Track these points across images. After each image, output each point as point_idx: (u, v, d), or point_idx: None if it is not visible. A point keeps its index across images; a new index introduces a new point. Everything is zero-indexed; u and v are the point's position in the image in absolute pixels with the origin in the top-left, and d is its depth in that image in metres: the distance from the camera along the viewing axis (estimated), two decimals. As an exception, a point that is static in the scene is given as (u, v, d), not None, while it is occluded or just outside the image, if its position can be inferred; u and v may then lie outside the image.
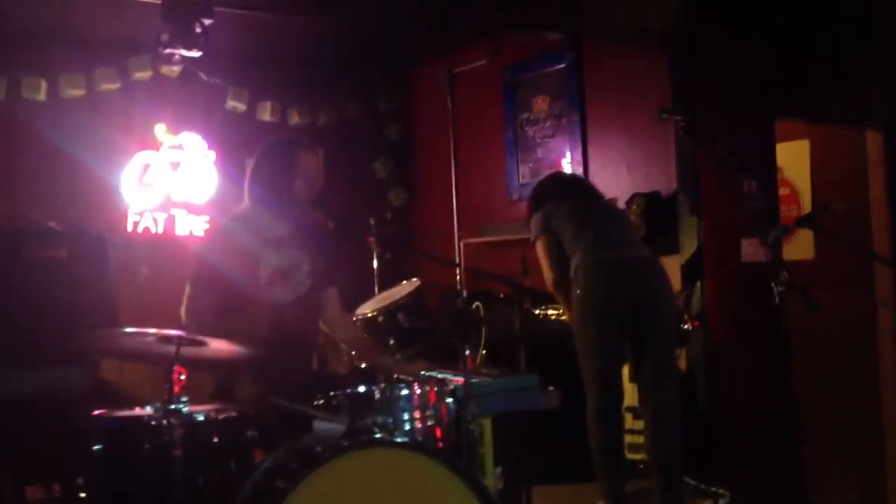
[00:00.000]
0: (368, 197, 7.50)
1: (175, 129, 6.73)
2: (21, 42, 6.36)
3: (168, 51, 5.18)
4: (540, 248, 5.14)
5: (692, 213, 5.65)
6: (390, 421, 3.36)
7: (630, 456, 5.34)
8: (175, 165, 6.73)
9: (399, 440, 3.28)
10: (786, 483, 5.05)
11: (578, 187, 5.48)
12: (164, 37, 5.05)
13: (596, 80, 6.48)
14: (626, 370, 5.11)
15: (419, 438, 3.40)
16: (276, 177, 3.95)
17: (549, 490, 4.92)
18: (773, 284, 4.20)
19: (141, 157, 6.64)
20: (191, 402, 3.22)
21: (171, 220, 6.73)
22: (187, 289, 3.86)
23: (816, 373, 6.14)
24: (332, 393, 3.38)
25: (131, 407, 3.36)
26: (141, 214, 6.64)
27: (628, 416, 5.33)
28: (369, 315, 4.55)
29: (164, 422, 3.11)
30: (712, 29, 5.75)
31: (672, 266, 5.49)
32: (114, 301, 5.58)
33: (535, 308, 5.46)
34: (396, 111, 7.87)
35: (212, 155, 6.83)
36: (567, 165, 6.55)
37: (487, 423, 4.04)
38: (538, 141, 6.90)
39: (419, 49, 7.41)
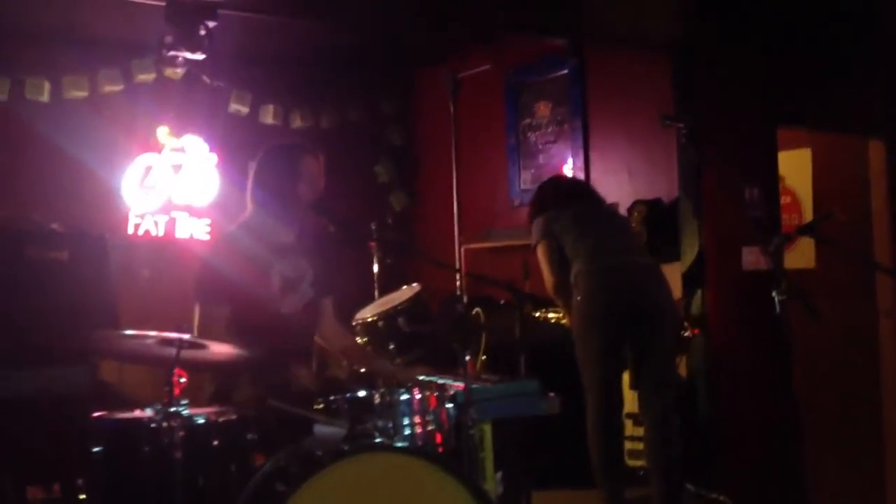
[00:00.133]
0: (370, 201, 7.51)
1: (177, 132, 6.73)
2: (25, 43, 6.37)
3: (171, 53, 5.18)
4: (541, 253, 5.14)
5: (694, 220, 5.64)
6: (390, 425, 3.35)
7: (630, 462, 5.34)
8: (177, 168, 6.72)
9: (399, 445, 3.28)
10: (786, 490, 5.03)
11: (580, 192, 5.48)
12: (168, 39, 5.05)
13: (598, 86, 6.49)
14: (626, 377, 5.11)
15: (419, 443, 3.40)
16: (280, 181, 3.93)
17: (549, 495, 4.91)
18: (774, 293, 4.20)
19: (143, 160, 6.63)
20: (191, 404, 3.22)
21: (172, 223, 6.72)
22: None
23: (817, 380, 6.13)
24: (332, 397, 3.38)
25: (131, 409, 3.36)
26: (142, 217, 6.63)
27: (628, 423, 5.33)
28: (369, 320, 4.54)
29: (165, 424, 3.11)
30: (715, 36, 5.75)
31: (673, 273, 5.49)
32: (114, 303, 5.58)
33: (536, 311, 5.45)
34: (399, 115, 7.87)
35: (214, 158, 6.83)
36: (569, 171, 6.56)
37: (487, 429, 4.03)
38: (540, 147, 6.90)
39: (422, 53, 7.42)
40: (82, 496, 3.27)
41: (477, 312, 5.28)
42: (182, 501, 3.10)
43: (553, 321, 5.37)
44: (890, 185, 6.42)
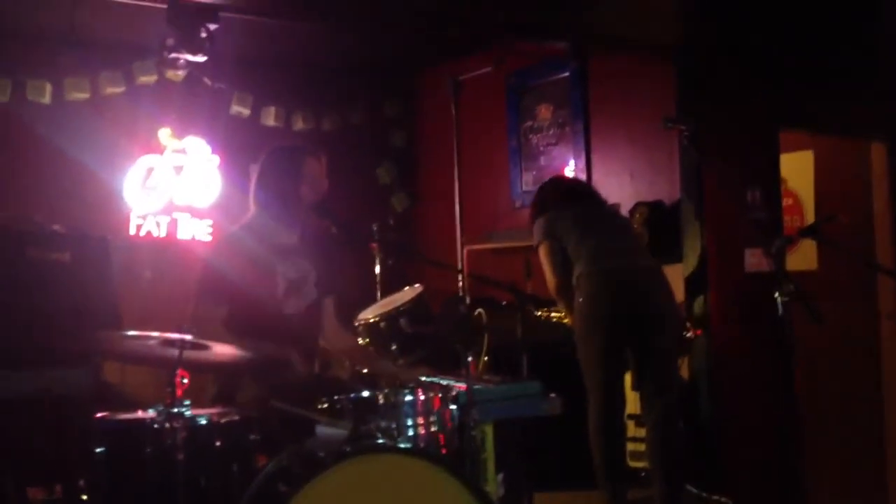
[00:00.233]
0: (371, 202, 7.50)
1: (179, 134, 6.73)
2: (27, 45, 6.37)
3: (173, 55, 5.17)
4: (543, 254, 5.14)
5: (695, 222, 5.64)
6: (393, 426, 3.35)
7: (632, 464, 5.33)
8: (178, 169, 6.72)
9: (402, 446, 3.28)
10: (788, 492, 5.03)
11: (580, 193, 5.48)
12: (170, 41, 5.04)
13: (600, 88, 6.49)
14: (628, 378, 5.11)
15: (422, 444, 3.40)
16: (283, 183, 3.94)
17: (550, 497, 4.92)
18: (777, 295, 4.20)
19: (145, 161, 6.63)
20: (193, 405, 3.22)
21: (173, 224, 6.72)
22: (194, 300, 3.82)
23: (818, 382, 6.13)
24: (335, 397, 3.38)
25: (133, 410, 3.36)
26: (144, 218, 6.64)
27: (630, 424, 5.33)
28: (371, 320, 4.53)
29: (167, 425, 3.11)
30: (717, 39, 5.75)
31: (675, 275, 5.49)
32: (116, 304, 5.58)
33: (537, 310, 5.45)
34: (400, 117, 7.88)
35: (215, 159, 6.83)
36: (570, 174, 6.55)
37: (490, 430, 4.04)
38: (542, 149, 6.90)
39: (423, 55, 7.42)
40: (84, 497, 3.27)
41: (479, 313, 5.28)
42: (184, 502, 3.10)
43: (555, 320, 5.37)
44: (892, 188, 6.42)
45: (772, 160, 5.96)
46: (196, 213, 6.78)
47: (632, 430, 5.38)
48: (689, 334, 5.45)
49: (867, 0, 6.15)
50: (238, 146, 6.76)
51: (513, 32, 5.70)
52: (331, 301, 4.14)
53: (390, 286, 5.39)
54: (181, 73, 6.40)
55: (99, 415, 3.33)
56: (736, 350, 5.61)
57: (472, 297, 6.18)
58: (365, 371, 4.18)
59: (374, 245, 5.86)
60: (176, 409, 3.12)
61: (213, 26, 4.97)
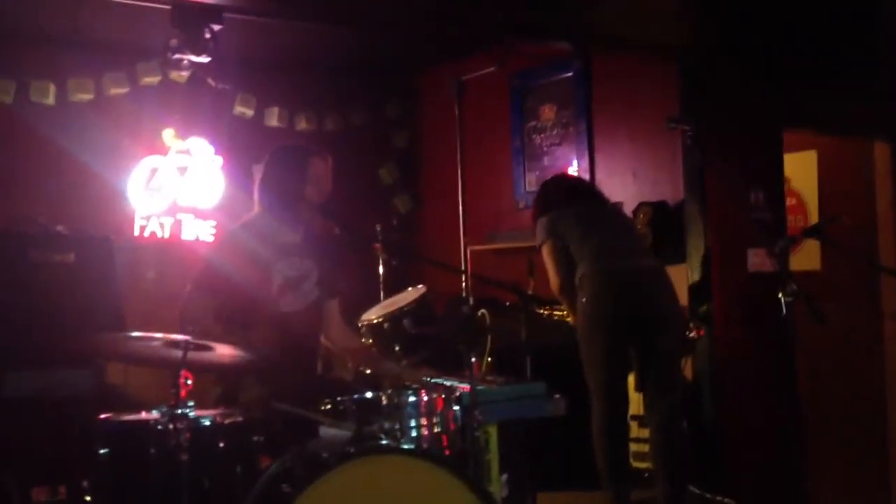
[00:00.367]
0: (374, 203, 7.50)
1: (183, 134, 6.74)
2: (30, 45, 6.38)
3: (177, 56, 5.17)
4: (546, 253, 5.13)
5: (699, 223, 5.64)
6: (397, 427, 3.35)
7: (635, 464, 5.33)
8: (182, 170, 6.73)
9: (405, 447, 3.28)
10: (791, 492, 5.04)
11: (583, 191, 5.48)
12: (173, 42, 5.04)
13: (603, 88, 6.49)
14: (631, 378, 5.11)
15: (425, 445, 3.40)
16: (287, 183, 3.94)
17: (554, 497, 4.92)
18: (780, 295, 4.20)
19: (148, 162, 6.64)
20: (197, 406, 3.22)
21: (177, 225, 6.73)
22: (188, 290, 3.85)
23: (821, 382, 6.13)
24: (338, 398, 3.38)
25: (137, 411, 3.36)
26: (148, 219, 6.64)
27: (633, 425, 5.32)
28: (375, 321, 4.55)
29: (171, 426, 3.11)
30: (720, 39, 5.75)
31: (679, 275, 5.48)
32: (120, 305, 5.59)
33: (540, 308, 5.44)
34: (403, 118, 7.88)
35: (219, 160, 6.84)
36: (574, 174, 6.55)
37: (493, 431, 4.04)
38: (545, 149, 6.90)
39: (426, 56, 7.42)
40: (88, 498, 3.27)
41: (482, 314, 5.28)
42: (188, 503, 3.10)
43: (557, 318, 5.36)
44: (895, 187, 6.42)
45: (774, 160, 5.96)
46: (200, 214, 6.79)
47: (635, 430, 5.37)
48: (691, 334, 5.44)
49: (867, 0, 6.15)
50: (241, 147, 6.77)
51: (513, 32, 5.69)
52: (336, 303, 4.14)
53: (393, 287, 5.41)
54: (185, 74, 6.40)
55: (102, 416, 3.33)
56: (739, 350, 5.61)
57: (476, 298, 6.18)
58: (368, 372, 4.18)
59: (378, 246, 5.87)
60: (180, 411, 3.12)
61: (216, 27, 4.97)
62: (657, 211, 5.77)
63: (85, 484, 3.29)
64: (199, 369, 3.38)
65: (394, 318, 4.49)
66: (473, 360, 3.69)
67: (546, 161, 6.88)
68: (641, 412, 5.15)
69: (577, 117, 6.61)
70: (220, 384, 3.85)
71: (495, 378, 4.37)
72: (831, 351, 6.16)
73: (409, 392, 3.43)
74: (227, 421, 3.30)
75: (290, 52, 6.97)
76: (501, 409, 4.06)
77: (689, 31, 5.79)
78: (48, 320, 5.08)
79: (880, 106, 6.27)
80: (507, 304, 5.55)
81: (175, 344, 3.21)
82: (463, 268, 7.02)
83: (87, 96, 6.54)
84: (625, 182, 6.24)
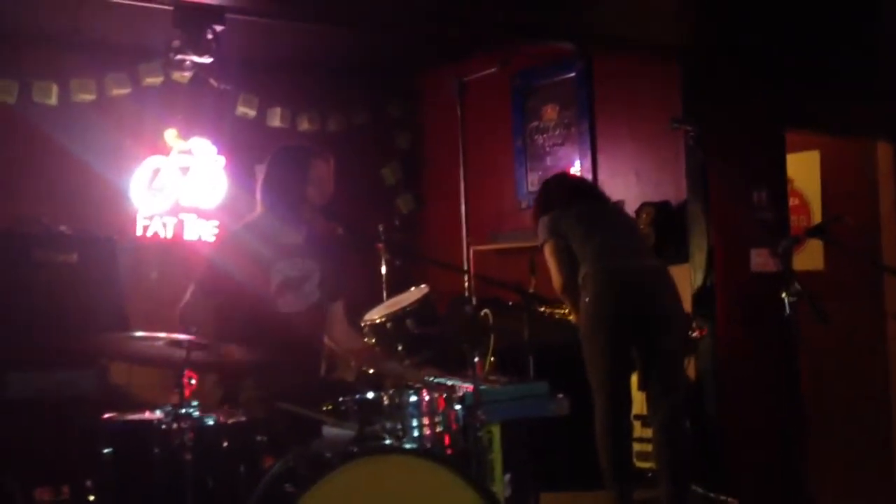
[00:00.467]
0: (377, 203, 7.51)
1: (185, 135, 6.74)
2: (33, 46, 6.38)
3: (179, 56, 5.18)
4: (548, 252, 5.13)
5: (702, 223, 5.64)
6: (399, 427, 3.35)
7: (638, 464, 5.33)
8: (185, 170, 6.73)
9: (408, 447, 3.28)
10: (793, 492, 5.03)
11: (584, 190, 5.48)
12: (176, 43, 5.05)
13: (606, 89, 6.49)
14: (634, 378, 5.11)
15: (428, 445, 3.40)
16: (289, 184, 3.95)
17: (557, 497, 4.92)
18: (783, 295, 4.19)
19: (151, 162, 6.64)
20: (200, 406, 3.22)
21: (180, 225, 6.73)
22: (189, 289, 3.86)
23: (824, 383, 6.13)
24: (341, 398, 3.38)
25: (140, 410, 3.37)
26: (150, 219, 6.65)
27: (637, 424, 5.33)
28: (378, 321, 4.55)
29: (174, 426, 3.12)
30: (722, 39, 5.75)
31: (681, 275, 5.48)
32: (123, 305, 5.59)
33: (542, 307, 5.44)
34: (406, 118, 7.88)
35: (221, 160, 6.84)
36: (576, 174, 6.55)
37: (496, 430, 4.03)
38: (547, 149, 6.90)
39: (428, 56, 7.42)
40: (91, 498, 3.27)
41: (485, 314, 5.28)
42: (191, 503, 3.10)
43: (559, 318, 5.36)
44: (898, 187, 6.43)
45: (776, 160, 5.96)
46: (202, 214, 6.79)
47: (638, 430, 5.37)
48: (694, 334, 5.45)
49: (867, 0, 6.14)
50: (244, 147, 6.77)
51: (513, 32, 5.70)
52: (340, 305, 4.15)
53: (396, 287, 5.41)
54: (187, 75, 6.40)
55: (106, 416, 3.34)
56: (741, 350, 5.61)
57: (478, 298, 6.19)
58: (371, 372, 4.19)
59: (380, 246, 5.88)
60: (183, 410, 3.13)
61: (218, 28, 4.98)
62: (660, 211, 5.77)
63: (88, 484, 3.30)
64: (203, 369, 3.39)
65: (397, 317, 4.49)
66: (476, 359, 3.69)
67: (548, 161, 6.88)
68: (645, 412, 5.15)
69: (579, 117, 6.61)
70: (221, 385, 3.85)
71: (498, 378, 4.36)
72: (834, 351, 6.16)
73: (412, 392, 3.43)
74: (230, 421, 3.31)
75: (292, 52, 6.97)
76: (504, 408, 4.05)
77: (690, 31, 5.79)
78: (51, 320, 5.09)
79: (881, 106, 6.27)
80: (510, 303, 5.54)
81: (178, 344, 3.21)
82: (465, 268, 7.02)
83: (90, 97, 6.55)
84: (627, 182, 6.24)
